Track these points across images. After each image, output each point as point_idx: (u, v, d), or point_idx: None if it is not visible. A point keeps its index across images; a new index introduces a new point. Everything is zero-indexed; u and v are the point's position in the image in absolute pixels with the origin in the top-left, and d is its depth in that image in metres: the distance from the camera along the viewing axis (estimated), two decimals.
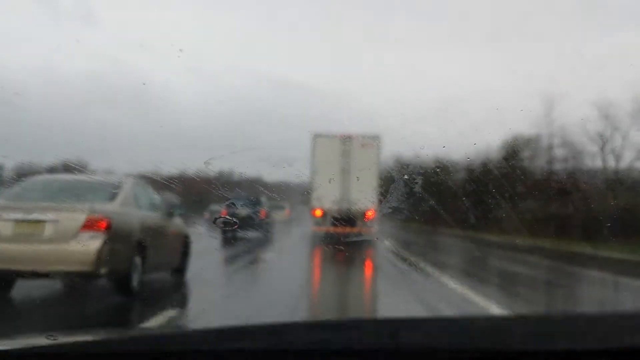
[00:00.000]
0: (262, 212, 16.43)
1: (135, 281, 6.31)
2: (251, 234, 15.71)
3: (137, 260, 6.38)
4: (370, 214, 16.99)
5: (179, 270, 7.87)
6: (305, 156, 17.70)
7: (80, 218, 5.71)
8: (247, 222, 15.22)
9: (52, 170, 8.65)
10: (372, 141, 17.39)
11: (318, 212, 17.25)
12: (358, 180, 16.94)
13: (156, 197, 7.40)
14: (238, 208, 14.41)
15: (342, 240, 15.60)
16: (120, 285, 6.21)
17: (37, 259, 5.61)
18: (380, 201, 16.13)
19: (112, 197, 6.27)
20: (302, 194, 19.57)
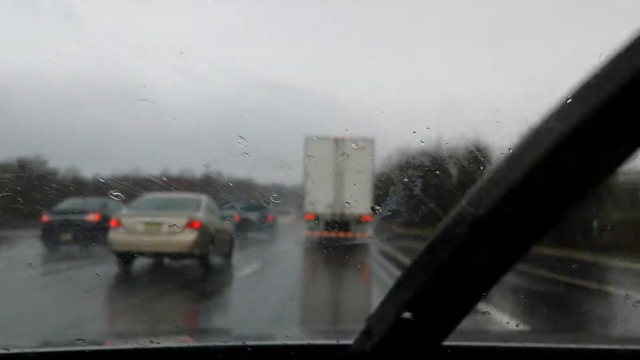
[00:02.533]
0: (269, 216, 19.98)
1: (210, 260, 10.12)
2: (261, 235, 19.22)
3: (211, 247, 10.18)
4: (365, 218, 16.54)
5: (228, 254, 11.65)
6: (300, 160, 17.61)
7: (183, 220, 9.51)
8: (256, 225, 18.79)
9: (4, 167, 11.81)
10: (366, 144, 17.11)
11: (311, 217, 17.12)
12: (353, 184, 16.76)
13: (216, 207, 11.18)
14: (248, 213, 18.01)
15: (338, 244, 15.66)
16: (203, 262, 10.00)
17: (158, 245, 9.39)
18: (376, 204, 15.23)
19: (198, 207, 10.08)
20: (298, 198, 19.09)
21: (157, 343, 1.52)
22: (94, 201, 11.29)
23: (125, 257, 9.38)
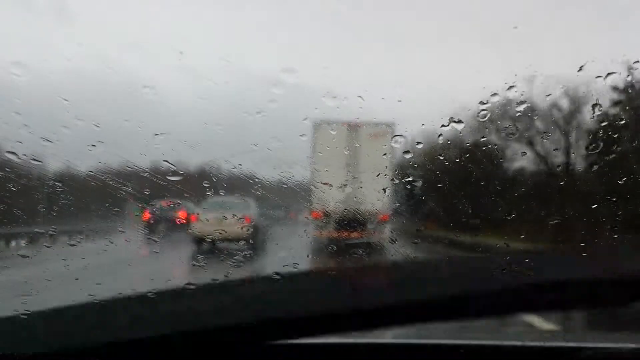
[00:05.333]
0: (292, 214, 24.40)
1: (255, 244, 14.58)
2: (285, 229, 23.55)
3: (256, 234, 14.61)
4: (383, 217, 14.84)
5: (264, 241, 16.06)
6: (302, 158, 16.44)
7: (240, 216, 13.94)
8: (281, 221, 23.39)
9: None
10: (385, 129, 14.71)
11: (320, 215, 15.22)
12: (367, 176, 13.43)
13: (257, 206, 15.59)
14: (275, 211, 22.65)
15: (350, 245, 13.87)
16: (252, 247, 14.43)
17: (223, 234, 13.79)
18: (397, 201, 14.30)
19: (248, 207, 14.52)
20: (305, 194, 18.49)
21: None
22: (177, 201, 15.96)
23: (201, 241, 13.83)
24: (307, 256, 12.05)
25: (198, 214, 13.92)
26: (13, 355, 1.41)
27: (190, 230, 13.75)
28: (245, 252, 14.40)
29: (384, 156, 12.78)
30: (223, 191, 14.91)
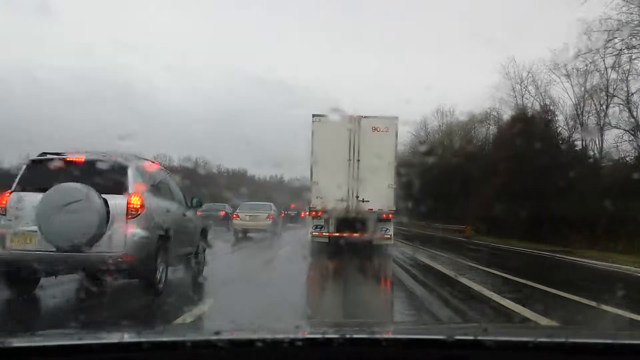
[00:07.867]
0: (302, 213, 31.00)
1: (277, 234, 21.05)
2: (297, 225, 30.16)
3: (275, 226, 21.11)
4: (386, 215, 14.20)
5: (280, 232, 22.44)
6: (300, 157, 15.02)
7: (265, 214, 20.50)
8: (293, 220, 30.11)
9: None
10: (388, 123, 14.37)
11: (319, 214, 14.47)
12: (371, 172, 13.89)
13: (276, 207, 22.04)
14: (289, 211, 29.59)
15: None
16: (274, 234, 20.92)
17: (255, 226, 20.37)
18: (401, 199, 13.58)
19: (271, 208, 21.12)
20: (304, 191, 17.06)
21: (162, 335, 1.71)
22: (219, 204, 22.71)
23: (239, 232, 20.33)
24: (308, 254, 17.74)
25: (237, 213, 20.54)
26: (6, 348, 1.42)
27: (233, 223, 20.35)
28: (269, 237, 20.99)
29: (388, 150, 14.16)
30: (252, 196, 21.73)
